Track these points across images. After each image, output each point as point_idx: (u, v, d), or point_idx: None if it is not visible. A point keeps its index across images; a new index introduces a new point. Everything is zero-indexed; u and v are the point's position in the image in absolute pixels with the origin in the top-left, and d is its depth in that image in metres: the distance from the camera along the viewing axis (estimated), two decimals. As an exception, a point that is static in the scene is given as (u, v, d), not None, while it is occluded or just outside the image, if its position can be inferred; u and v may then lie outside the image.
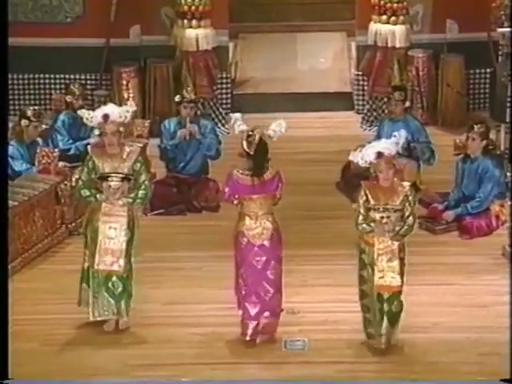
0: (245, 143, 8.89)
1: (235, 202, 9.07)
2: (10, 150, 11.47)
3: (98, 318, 9.62)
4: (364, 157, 9.21)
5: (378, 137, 11.34)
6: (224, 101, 14.53)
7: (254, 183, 8.95)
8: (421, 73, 14.29)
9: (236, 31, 15.34)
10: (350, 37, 15.20)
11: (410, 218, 9.29)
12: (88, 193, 9.55)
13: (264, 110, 14.16)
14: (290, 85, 14.87)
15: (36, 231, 11.04)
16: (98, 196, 9.50)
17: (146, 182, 9.70)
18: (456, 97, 14.32)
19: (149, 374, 8.80)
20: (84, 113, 9.75)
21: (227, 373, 8.83)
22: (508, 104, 12.33)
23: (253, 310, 9.02)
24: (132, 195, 9.53)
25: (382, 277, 9.22)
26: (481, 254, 10.80)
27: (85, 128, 12.29)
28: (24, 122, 11.66)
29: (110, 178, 9.54)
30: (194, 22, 14.04)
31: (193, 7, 13.99)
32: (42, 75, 14.29)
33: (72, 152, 12.16)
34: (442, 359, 8.95)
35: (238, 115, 9.06)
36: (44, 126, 12.00)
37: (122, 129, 9.70)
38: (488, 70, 13.89)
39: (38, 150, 11.60)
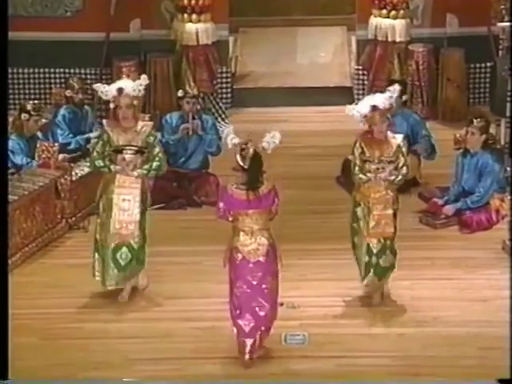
0: (238, 157, 8.70)
1: (230, 218, 8.87)
2: (10, 143, 11.51)
3: (109, 288, 9.91)
4: (359, 110, 9.68)
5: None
6: (224, 95, 14.56)
7: (249, 198, 8.75)
8: (421, 67, 14.31)
9: (236, 25, 15.38)
10: (350, 31, 15.27)
11: (404, 168, 9.81)
12: (102, 163, 9.83)
13: (264, 105, 14.31)
14: (290, 79, 14.91)
15: (36, 225, 11.05)
16: (111, 167, 9.78)
17: (160, 154, 10.02)
18: (456, 91, 14.36)
19: (149, 368, 8.83)
20: (99, 86, 10.05)
21: (227, 367, 8.84)
22: (508, 98, 12.35)
23: (247, 328, 8.84)
24: (146, 166, 9.82)
25: (377, 224, 9.64)
26: (481, 249, 10.82)
27: (85, 122, 12.40)
28: (24, 116, 11.66)
29: (124, 151, 9.84)
30: (194, 16, 14.07)
31: (193, 1, 14.01)
32: (41, 69, 14.31)
33: (72, 146, 12.19)
34: (442, 353, 8.98)
35: (229, 128, 9.01)
36: (44, 120, 12.02)
37: (135, 102, 9.94)
38: (488, 65, 13.92)
39: (38, 145, 11.60)
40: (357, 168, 9.69)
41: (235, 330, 8.90)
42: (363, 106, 9.78)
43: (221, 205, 8.95)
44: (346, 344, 9.10)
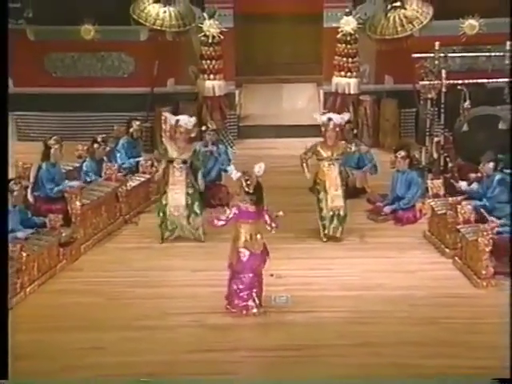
0: (244, 185, 8.66)
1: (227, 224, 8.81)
2: (85, 165, 11.56)
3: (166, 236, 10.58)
4: (322, 119, 10.53)
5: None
6: (232, 130, 14.55)
7: (255, 211, 8.67)
8: (368, 111, 14.34)
9: (240, 82, 15.34)
10: (319, 86, 15.22)
11: None
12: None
13: (260, 137, 14.38)
14: (277, 119, 14.90)
15: (102, 220, 11.04)
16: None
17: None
18: (392, 128, 14.40)
19: (180, 319, 8.76)
20: (168, 116, 10.74)
21: (235, 319, 8.79)
22: (427, 132, 12.38)
23: (244, 294, 8.79)
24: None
25: (333, 201, 10.39)
26: (409, 236, 10.83)
27: (136, 150, 12.36)
28: (95, 146, 11.63)
29: (175, 161, 10.36)
30: (211, 76, 14.07)
31: (210, 66, 14.02)
32: (106, 113, 14.27)
33: (127, 166, 12.11)
34: (385, 308, 8.98)
35: (231, 167, 9.16)
36: (108, 148, 11.97)
37: (186, 134, 10.52)
38: (413, 110, 13.93)
39: (104, 165, 11.57)
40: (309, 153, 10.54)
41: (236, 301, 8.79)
42: (324, 117, 10.65)
43: (230, 214, 8.73)
44: (316, 302, 9.07)
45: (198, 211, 10.63)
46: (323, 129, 10.56)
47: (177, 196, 10.49)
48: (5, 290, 7.19)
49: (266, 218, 8.73)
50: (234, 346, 8.26)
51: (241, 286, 8.79)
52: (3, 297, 7.08)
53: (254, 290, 8.81)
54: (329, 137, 10.45)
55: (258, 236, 8.75)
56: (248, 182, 8.66)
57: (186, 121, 10.56)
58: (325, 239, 10.58)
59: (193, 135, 10.92)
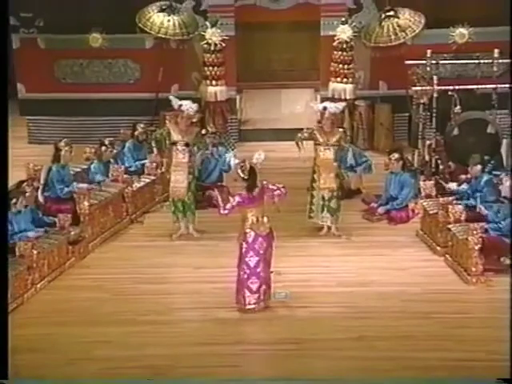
0: (239, 171, 8.72)
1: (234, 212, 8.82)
2: (93, 166, 11.54)
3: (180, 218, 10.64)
4: (318, 107, 10.66)
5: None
6: (234, 134, 14.49)
7: (251, 196, 8.69)
8: (363, 116, 14.28)
9: (241, 88, 15.31)
10: (316, 91, 15.17)
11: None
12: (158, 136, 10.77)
13: (260, 140, 14.17)
14: (277, 123, 14.84)
15: (109, 220, 11.02)
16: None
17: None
18: (386, 132, 14.32)
19: (184, 313, 8.78)
20: (173, 99, 10.82)
21: (235, 314, 8.80)
22: (420, 136, 12.35)
23: (254, 286, 8.76)
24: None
25: (325, 182, 10.42)
26: (402, 235, 10.80)
27: (142, 152, 12.33)
28: (103, 148, 11.62)
29: (177, 144, 10.39)
30: (213, 82, 13.99)
31: (212, 72, 13.95)
32: (114, 117, 14.20)
33: (132, 168, 12.08)
34: (379, 304, 8.95)
35: (231, 154, 9.14)
36: (115, 151, 11.95)
37: (188, 119, 10.61)
38: (406, 114, 13.86)
39: (111, 167, 11.57)
40: (305, 135, 10.55)
41: (245, 289, 8.76)
42: (320, 105, 10.74)
43: (235, 202, 8.73)
44: (314, 298, 9.07)
45: (192, 206, 10.64)
46: (320, 117, 10.60)
47: (179, 177, 10.50)
48: (5, 292, 7.08)
49: (271, 186, 8.75)
50: (236, 340, 8.27)
51: (247, 271, 8.73)
52: (3, 299, 6.97)
53: (263, 287, 8.78)
54: (324, 124, 10.47)
55: (265, 219, 8.72)
56: (242, 168, 8.68)
57: (189, 106, 10.62)
58: (313, 220, 10.61)
59: (194, 120, 10.99)
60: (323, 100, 14.37)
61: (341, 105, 10.97)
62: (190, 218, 10.70)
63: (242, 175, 8.71)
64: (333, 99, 14.01)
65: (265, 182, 8.83)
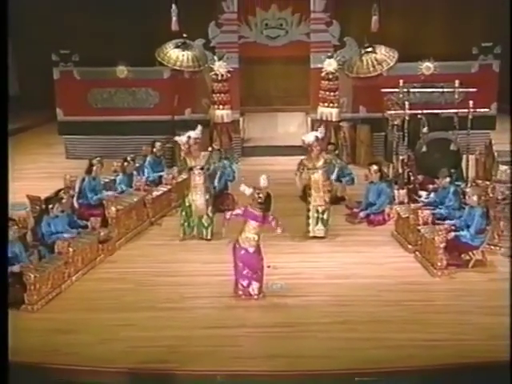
0: (257, 197, 8.61)
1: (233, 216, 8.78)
2: (118, 178, 11.55)
3: (186, 237, 10.47)
4: (308, 138, 10.48)
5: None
6: (237, 150, 14.49)
7: (262, 215, 8.62)
8: (346, 135, 14.34)
9: (244, 111, 15.35)
10: (307, 114, 15.22)
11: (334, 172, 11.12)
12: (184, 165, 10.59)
13: (259, 155, 14.33)
14: (274, 141, 14.86)
15: (132, 222, 10.97)
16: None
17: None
18: (366, 148, 14.36)
19: (196, 302, 8.68)
20: (178, 139, 10.58)
21: (239, 301, 8.75)
22: (394, 152, 12.36)
23: (244, 283, 8.75)
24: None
25: (315, 200, 10.40)
26: (379, 235, 10.75)
27: (160, 166, 12.33)
28: (126, 163, 11.60)
29: (194, 169, 10.30)
30: (220, 107, 14.10)
31: (220, 99, 14.06)
32: (137, 136, 14.17)
33: (151, 179, 12.04)
34: (360, 293, 8.89)
35: (243, 186, 8.93)
36: (137, 165, 11.96)
37: (198, 141, 10.46)
38: (383, 134, 13.92)
39: (133, 178, 11.56)
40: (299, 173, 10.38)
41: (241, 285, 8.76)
42: (310, 135, 10.61)
43: (235, 212, 8.77)
44: (305, 288, 9.00)
45: (211, 214, 10.61)
46: (309, 147, 10.52)
47: (197, 197, 10.45)
48: (5, 295, 6.45)
49: (273, 223, 8.69)
50: (239, 324, 8.23)
51: (238, 271, 8.70)
52: (3, 302, 6.35)
53: (253, 283, 8.71)
54: (314, 150, 10.45)
55: (256, 237, 8.66)
56: (260, 195, 8.62)
57: (194, 133, 10.52)
58: (310, 234, 10.52)
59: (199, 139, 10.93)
60: (313, 122, 14.51)
61: (322, 130, 11.06)
62: (210, 227, 10.56)
63: (260, 201, 8.59)
64: (321, 121, 14.14)
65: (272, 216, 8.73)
